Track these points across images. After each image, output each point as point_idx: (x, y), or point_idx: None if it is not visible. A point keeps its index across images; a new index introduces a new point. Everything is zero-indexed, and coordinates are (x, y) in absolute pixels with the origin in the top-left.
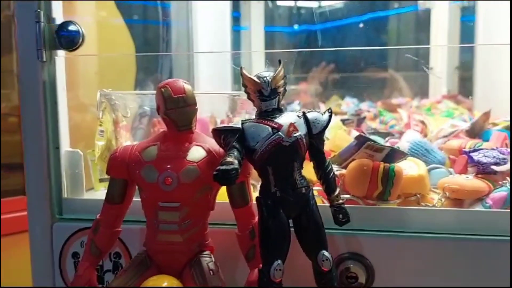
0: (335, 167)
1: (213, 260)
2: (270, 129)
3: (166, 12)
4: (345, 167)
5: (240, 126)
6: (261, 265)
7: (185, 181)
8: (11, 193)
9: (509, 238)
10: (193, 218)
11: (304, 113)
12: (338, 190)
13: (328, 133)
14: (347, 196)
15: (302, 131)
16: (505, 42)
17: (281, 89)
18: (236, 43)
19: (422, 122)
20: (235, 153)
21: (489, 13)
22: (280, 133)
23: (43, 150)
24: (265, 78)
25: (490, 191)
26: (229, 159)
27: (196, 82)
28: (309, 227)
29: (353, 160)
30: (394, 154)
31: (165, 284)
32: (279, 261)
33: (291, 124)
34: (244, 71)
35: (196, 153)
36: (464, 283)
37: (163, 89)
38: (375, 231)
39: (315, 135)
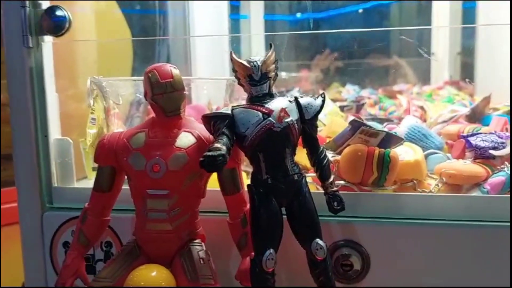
0: (330, 153)
1: (204, 248)
2: (260, 114)
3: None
4: (339, 153)
5: (230, 112)
6: (253, 253)
7: (174, 168)
8: (12, 183)
9: (508, 224)
10: (182, 206)
11: (296, 98)
12: (332, 177)
13: (325, 119)
14: (342, 182)
15: (294, 116)
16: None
17: (272, 74)
18: (236, 32)
19: (422, 108)
20: (224, 139)
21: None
22: (270, 118)
23: (31, 139)
24: (255, 63)
25: (488, 176)
26: (216, 145)
27: (193, 68)
28: (302, 215)
29: (348, 145)
30: (389, 139)
31: (154, 274)
32: (271, 250)
33: (282, 109)
34: (234, 56)
35: (185, 140)
36: (462, 270)
37: (150, 74)
38: (371, 218)
39: (307, 121)
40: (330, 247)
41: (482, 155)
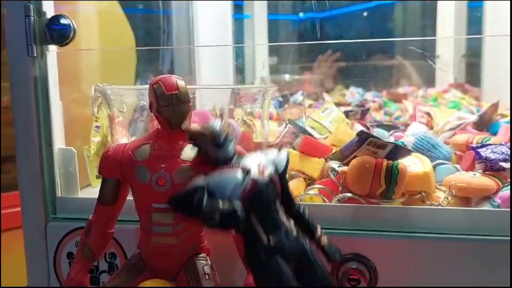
0: (336, 164)
1: (209, 263)
2: (239, 174)
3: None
4: (346, 164)
5: (202, 184)
6: None
7: (179, 182)
8: (14, 187)
9: None
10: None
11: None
12: (319, 228)
13: (330, 127)
14: (349, 194)
15: (271, 169)
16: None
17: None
18: (239, 31)
19: (428, 114)
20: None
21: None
22: (251, 175)
23: (35, 148)
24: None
25: (498, 189)
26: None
27: (197, 74)
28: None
29: (355, 157)
30: (397, 151)
31: None
32: None
33: (260, 164)
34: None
35: (190, 152)
36: (472, 284)
37: (155, 86)
38: (378, 231)
39: (280, 174)
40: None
41: (492, 167)
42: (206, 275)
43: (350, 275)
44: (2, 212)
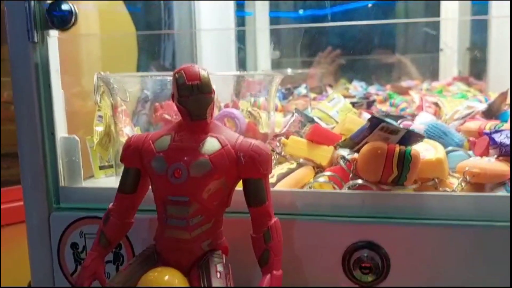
0: (346, 151)
1: (223, 261)
2: None
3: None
4: (357, 151)
5: None
6: (274, 271)
7: (195, 175)
8: (14, 182)
9: None
10: (204, 214)
11: None
12: None
13: (337, 117)
14: (360, 181)
15: None
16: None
17: None
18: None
19: (436, 104)
20: None
21: None
22: None
23: (37, 137)
24: None
25: None
26: None
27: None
28: None
29: (366, 143)
30: (410, 136)
31: (166, 278)
32: None
33: None
34: None
35: (209, 146)
36: (487, 272)
37: (177, 75)
38: (391, 218)
39: None
40: (349, 248)
41: (507, 153)
42: (218, 273)
43: (362, 263)
44: (2, 207)
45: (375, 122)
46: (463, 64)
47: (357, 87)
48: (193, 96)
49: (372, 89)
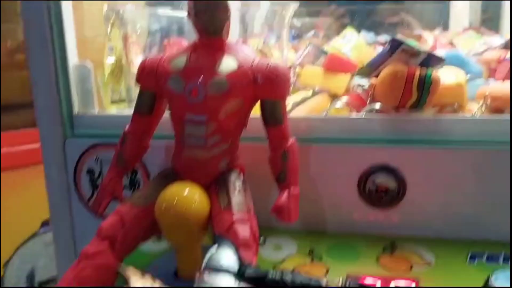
0: (362, 80)
1: (241, 178)
2: None
3: None
4: (376, 75)
5: None
6: (292, 187)
7: (213, 94)
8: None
9: None
10: (221, 134)
11: None
12: None
13: (350, 54)
14: (378, 105)
15: None
16: None
17: None
18: None
19: (451, 43)
20: None
21: None
22: None
23: (50, 63)
24: None
25: None
26: None
27: None
28: None
29: (385, 67)
30: (430, 60)
31: (186, 191)
32: None
33: None
34: None
35: (226, 65)
36: (505, 196)
37: None
38: (409, 142)
39: None
40: (366, 171)
41: None
42: (236, 188)
43: (378, 185)
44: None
45: (396, 44)
46: (475, 15)
47: (365, 37)
48: (210, 10)
49: (382, 39)
